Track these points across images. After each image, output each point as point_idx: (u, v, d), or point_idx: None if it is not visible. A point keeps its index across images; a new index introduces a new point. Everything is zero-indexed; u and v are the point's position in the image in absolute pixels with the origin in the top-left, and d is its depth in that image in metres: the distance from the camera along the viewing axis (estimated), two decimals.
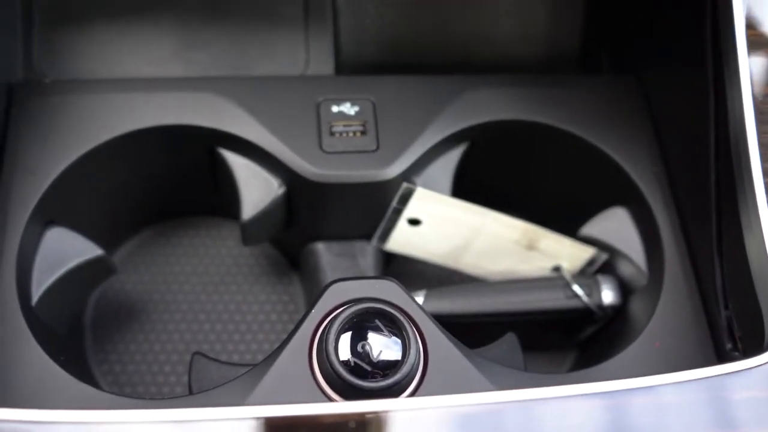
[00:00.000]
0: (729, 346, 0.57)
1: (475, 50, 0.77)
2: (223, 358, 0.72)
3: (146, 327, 0.73)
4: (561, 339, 0.73)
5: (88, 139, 0.63)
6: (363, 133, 0.65)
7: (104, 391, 0.56)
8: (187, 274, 0.76)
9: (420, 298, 0.66)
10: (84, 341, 0.71)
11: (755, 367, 0.49)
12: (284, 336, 0.73)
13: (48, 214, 0.62)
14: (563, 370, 0.73)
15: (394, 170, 0.64)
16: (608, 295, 0.67)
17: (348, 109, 0.66)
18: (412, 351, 0.51)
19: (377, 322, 0.52)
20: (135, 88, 0.66)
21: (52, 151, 0.62)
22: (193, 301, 0.74)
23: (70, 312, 0.68)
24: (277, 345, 0.72)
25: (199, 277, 0.76)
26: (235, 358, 0.72)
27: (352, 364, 0.50)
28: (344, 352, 0.51)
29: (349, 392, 0.50)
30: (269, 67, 0.72)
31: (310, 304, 0.54)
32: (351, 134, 0.65)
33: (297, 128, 0.65)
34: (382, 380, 0.50)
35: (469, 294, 0.68)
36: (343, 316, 0.51)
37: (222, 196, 0.72)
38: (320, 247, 0.70)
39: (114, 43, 0.71)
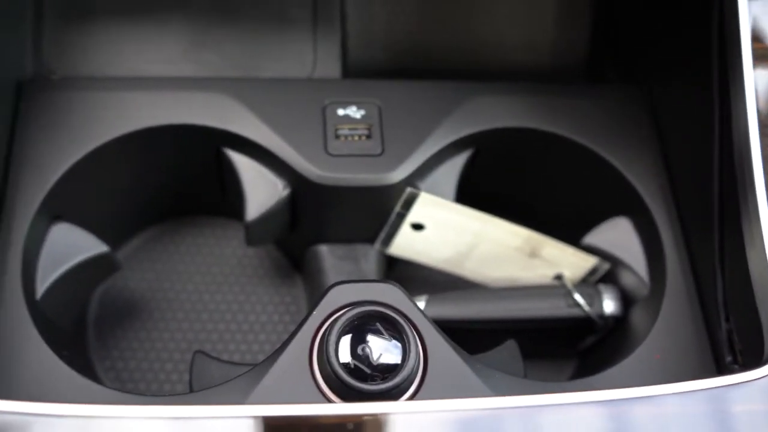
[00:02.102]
0: (729, 358, 0.57)
1: (482, 57, 0.77)
2: (225, 357, 0.72)
3: (149, 324, 0.73)
4: (562, 348, 0.73)
5: (95, 136, 0.63)
6: (368, 136, 0.65)
7: (106, 386, 0.56)
8: (191, 273, 0.76)
9: (422, 303, 0.67)
10: (87, 337, 0.72)
11: (754, 380, 0.49)
12: (285, 337, 0.73)
13: (54, 210, 0.62)
14: (563, 378, 0.73)
15: (398, 175, 0.64)
16: (609, 305, 0.67)
17: (354, 112, 0.66)
18: (412, 355, 0.51)
19: (378, 325, 0.52)
20: (143, 87, 0.66)
21: (59, 147, 0.63)
22: (196, 300, 0.75)
23: (74, 307, 0.68)
24: (278, 346, 0.73)
25: (203, 276, 0.76)
26: (237, 358, 0.72)
27: (352, 366, 0.50)
28: (344, 354, 0.51)
29: (348, 394, 0.50)
30: (277, 68, 0.73)
31: (312, 306, 0.54)
32: (356, 137, 0.65)
33: (303, 130, 0.65)
34: (381, 383, 0.50)
35: (471, 300, 0.68)
36: (344, 318, 0.52)
37: (227, 196, 0.72)
38: (323, 249, 0.70)
39: (123, 42, 0.72)
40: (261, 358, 0.73)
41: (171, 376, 0.71)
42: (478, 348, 0.59)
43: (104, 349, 0.72)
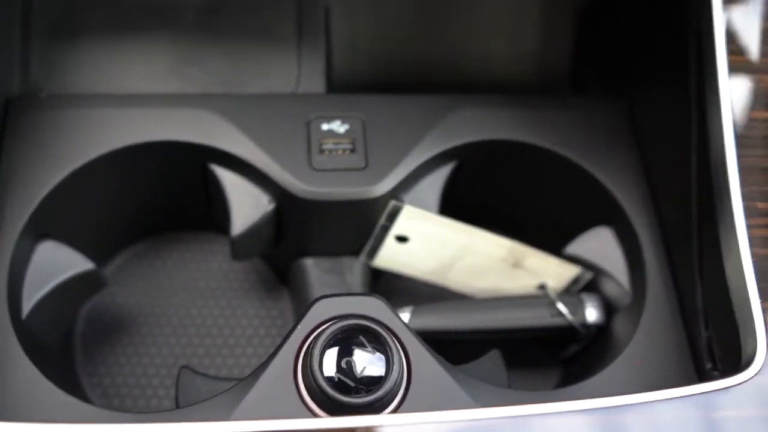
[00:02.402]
0: (709, 365, 0.57)
1: (467, 70, 0.78)
2: (212, 372, 0.72)
3: (136, 340, 0.73)
4: (546, 357, 0.74)
5: (82, 154, 0.63)
6: (352, 150, 0.66)
7: (92, 404, 0.56)
8: (177, 288, 0.76)
9: (406, 315, 0.67)
10: (74, 354, 0.72)
11: (733, 386, 0.49)
12: (272, 350, 0.74)
13: (40, 228, 0.63)
14: (548, 387, 0.73)
15: (382, 188, 0.65)
16: (592, 314, 0.67)
17: (338, 127, 0.67)
18: (396, 367, 0.51)
19: (361, 338, 0.53)
20: (129, 104, 0.66)
21: (46, 165, 0.63)
22: (183, 315, 0.75)
23: (61, 325, 0.68)
24: (265, 359, 0.73)
25: (189, 291, 0.76)
26: (224, 372, 0.73)
27: (336, 379, 0.51)
28: (329, 367, 0.51)
29: (332, 408, 0.50)
30: (262, 84, 0.73)
31: (296, 320, 0.55)
32: (340, 152, 0.66)
33: (287, 145, 0.65)
34: (365, 396, 0.50)
35: (455, 311, 0.68)
36: (327, 332, 0.52)
37: (213, 211, 0.72)
38: (309, 263, 0.71)
39: (110, 59, 0.72)
40: (248, 372, 0.73)
41: (158, 392, 0.71)
42: (463, 358, 0.60)
43: (91, 365, 0.72)
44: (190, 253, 0.79)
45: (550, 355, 0.73)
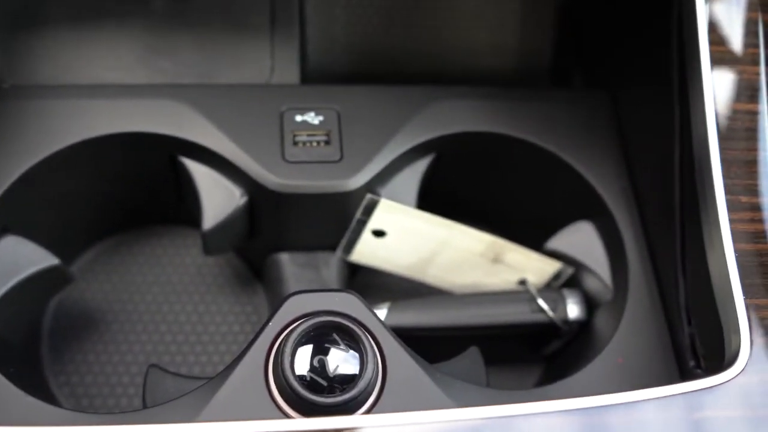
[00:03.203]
0: (692, 363, 0.57)
1: (446, 60, 0.76)
2: (184, 369, 0.70)
3: (105, 337, 0.71)
4: (526, 353, 0.72)
5: (45, 146, 0.62)
6: (327, 143, 0.64)
7: (59, 404, 0.55)
8: (149, 284, 0.74)
9: (384, 311, 0.65)
10: (40, 351, 0.69)
11: (715, 386, 0.48)
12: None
13: (1, 222, 0.60)
14: (528, 384, 0.72)
15: (357, 181, 0.63)
16: (573, 310, 0.66)
17: (312, 118, 0.65)
18: (370, 366, 0.50)
19: (335, 335, 0.51)
20: (95, 95, 0.64)
21: (8, 157, 0.61)
22: (154, 311, 0.73)
23: (26, 321, 0.66)
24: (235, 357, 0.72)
25: (161, 286, 0.74)
26: (196, 370, 0.71)
27: (308, 378, 0.49)
28: (301, 366, 0.50)
29: (304, 408, 0.49)
30: (234, 74, 0.71)
31: (268, 317, 0.53)
32: (314, 144, 0.64)
33: (259, 137, 0.64)
34: (337, 396, 0.49)
35: (434, 307, 0.67)
36: (299, 330, 0.50)
37: (185, 204, 0.70)
38: (284, 257, 0.69)
39: (76, 48, 0.70)
40: (221, 369, 0.72)
41: (128, 390, 0.69)
42: (442, 356, 0.58)
43: (59, 363, 0.69)
44: (162, 248, 0.77)
45: (531, 350, 0.72)
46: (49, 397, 0.67)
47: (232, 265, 0.76)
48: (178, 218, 0.76)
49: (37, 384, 0.67)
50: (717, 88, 0.57)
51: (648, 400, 0.48)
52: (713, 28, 0.59)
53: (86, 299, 0.73)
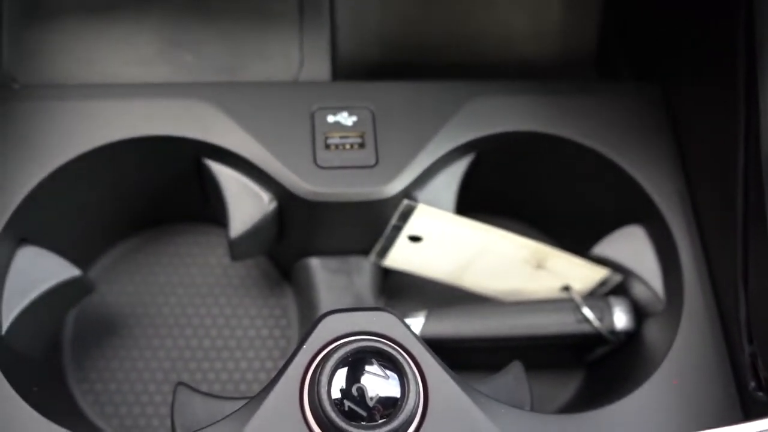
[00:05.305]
0: (753, 384, 0.53)
1: (484, 49, 0.72)
2: (211, 376, 0.68)
3: (129, 343, 0.69)
4: (566, 357, 0.69)
5: (62, 151, 0.58)
6: (361, 145, 0.60)
7: (81, 414, 0.52)
8: (173, 285, 0.72)
9: (420, 320, 0.62)
10: (62, 360, 0.67)
11: None
12: (275, 353, 0.70)
13: (19, 233, 0.58)
14: (569, 391, 0.69)
15: (394, 187, 0.59)
16: (621, 319, 0.63)
17: (345, 119, 0.61)
18: (412, 393, 0.47)
19: (374, 360, 0.48)
20: (115, 95, 0.61)
21: (23, 164, 0.58)
22: (179, 314, 0.70)
23: (46, 333, 0.64)
24: (268, 364, 0.69)
25: (186, 288, 0.71)
26: (224, 377, 0.68)
27: (347, 409, 0.46)
28: (337, 393, 0.47)
29: None
30: (260, 68, 0.67)
31: (302, 338, 0.50)
32: (348, 147, 0.60)
33: (289, 140, 0.60)
34: (380, 427, 0.46)
35: (473, 316, 0.64)
36: (335, 356, 0.47)
37: (210, 204, 0.67)
38: (314, 262, 0.66)
39: (91, 43, 0.66)
40: (250, 377, 0.70)
41: (154, 398, 0.67)
42: (477, 364, 0.55)
43: (81, 371, 0.67)
44: (186, 247, 0.74)
45: (571, 355, 0.68)
46: (72, 406, 0.65)
47: (259, 266, 0.73)
48: (201, 215, 0.73)
49: (60, 393, 0.64)
50: None
51: None
52: None
53: (108, 303, 0.70)
